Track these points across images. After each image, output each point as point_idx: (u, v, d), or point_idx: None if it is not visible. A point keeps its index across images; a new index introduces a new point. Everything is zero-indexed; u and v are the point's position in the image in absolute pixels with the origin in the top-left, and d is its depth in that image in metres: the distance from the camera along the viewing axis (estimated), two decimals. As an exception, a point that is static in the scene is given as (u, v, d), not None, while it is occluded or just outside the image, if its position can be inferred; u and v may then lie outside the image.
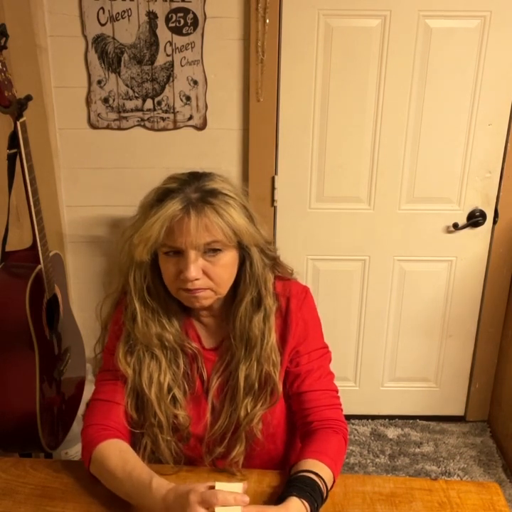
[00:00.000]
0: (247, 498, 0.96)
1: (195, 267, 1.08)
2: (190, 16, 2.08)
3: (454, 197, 2.32)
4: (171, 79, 2.16)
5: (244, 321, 1.18)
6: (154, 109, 2.20)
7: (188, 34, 2.10)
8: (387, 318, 2.52)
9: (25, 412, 1.62)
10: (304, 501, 1.02)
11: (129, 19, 2.08)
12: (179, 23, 2.08)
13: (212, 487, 0.97)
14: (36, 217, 1.62)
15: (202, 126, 2.22)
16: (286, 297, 1.23)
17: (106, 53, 2.12)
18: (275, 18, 2.07)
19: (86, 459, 1.15)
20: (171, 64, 2.14)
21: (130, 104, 2.19)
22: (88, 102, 2.19)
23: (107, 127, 2.22)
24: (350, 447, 2.48)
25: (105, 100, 2.18)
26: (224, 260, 1.12)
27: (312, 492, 1.04)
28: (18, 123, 1.54)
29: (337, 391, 1.26)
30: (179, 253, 1.10)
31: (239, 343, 1.19)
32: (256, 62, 2.12)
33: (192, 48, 2.12)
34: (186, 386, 1.22)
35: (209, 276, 1.11)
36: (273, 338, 1.19)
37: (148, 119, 2.21)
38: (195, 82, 2.16)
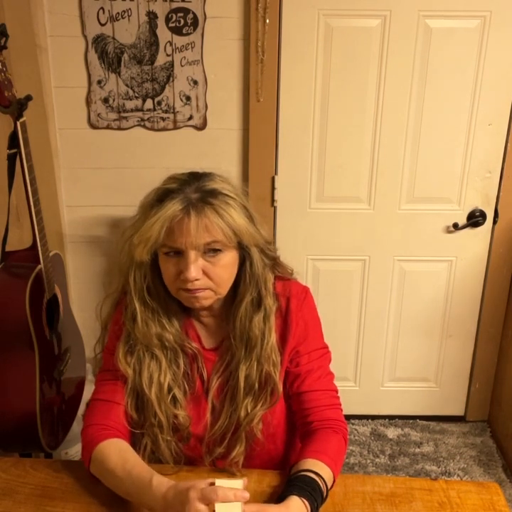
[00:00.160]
0: (247, 494, 0.95)
1: (196, 268, 1.08)
2: (190, 15, 2.08)
3: (454, 197, 2.32)
4: (171, 79, 2.16)
5: (245, 321, 1.18)
6: (154, 109, 2.20)
7: (188, 34, 2.10)
8: (387, 318, 2.52)
9: (25, 412, 1.62)
10: (304, 500, 1.02)
11: (129, 19, 2.08)
12: (179, 23, 2.08)
13: (213, 484, 0.97)
14: (36, 217, 1.62)
15: (202, 126, 2.22)
16: (286, 297, 1.23)
17: (106, 53, 2.12)
18: (275, 18, 2.07)
19: (86, 459, 1.15)
20: (171, 64, 2.14)
21: (130, 104, 2.19)
22: (88, 102, 2.19)
23: (107, 127, 2.22)
24: (350, 447, 2.48)
25: (105, 100, 2.18)
26: (224, 260, 1.12)
27: (312, 491, 1.04)
28: (18, 123, 1.54)
29: (337, 391, 1.26)
30: (179, 253, 1.10)
31: (239, 343, 1.19)
32: (256, 62, 2.12)
33: (192, 48, 2.12)
34: (186, 386, 1.22)
35: (209, 277, 1.11)
36: (273, 338, 1.19)
37: (148, 119, 2.21)
38: (195, 82, 2.16)
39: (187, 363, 1.22)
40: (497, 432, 2.56)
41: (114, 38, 2.11)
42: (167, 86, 2.17)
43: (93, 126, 2.22)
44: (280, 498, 1.04)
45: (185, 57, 2.13)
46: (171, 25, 2.09)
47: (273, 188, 2.30)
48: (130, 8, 2.07)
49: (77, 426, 1.92)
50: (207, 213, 1.07)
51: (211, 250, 1.10)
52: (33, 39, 2.02)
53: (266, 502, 1.11)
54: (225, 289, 1.16)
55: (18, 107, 1.54)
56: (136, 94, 2.18)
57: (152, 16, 2.07)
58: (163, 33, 2.10)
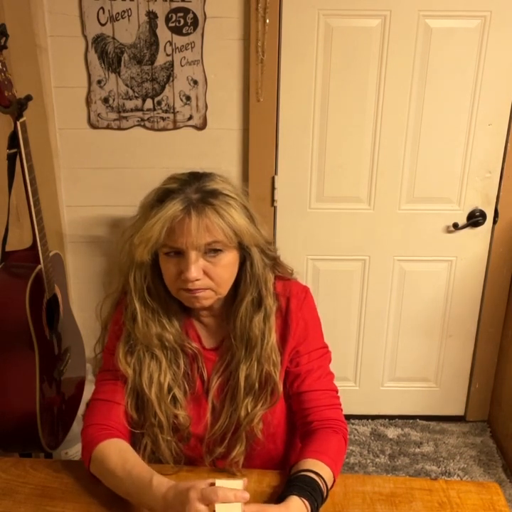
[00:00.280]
0: (247, 495, 0.95)
1: (196, 268, 1.08)
2: (190, 15, 2.08)
3: (454, 197, 2.32)
4: (171, 79, 2.16)
5: (245, 321, 1.18)
6: (154, 109, 2.20)
7: (188, 34, 2.10)
8: (387, 318, 2.52)
9: (25, 412, 1.62)
10: (305, 500, 1.02)
11: (129, 19, 2.08)
12: (179, 23, 2.08)
13: (213, 484, 0.97)
14: (36, 217, 1.62)
15: (202, 126, 2.22)
16: (286, 297, 1.23)
17: (106, 53, 2.12)
18: (275, 18, 2.07)
19: (86, 459, 1.15)
20: (171, 64, 2.14)
21: (130, 104, 2.19)
22: (88, 102, 2.19)
23: (107, 127, 2.22)
24: (350, 447, 2.48)
25: (105, 100, 2.18)
26: (224, 260, 1.12)
27: (312, 491, 1.04)
28: (18, 123, 1.54)
29: (337, 391, 1.26)
30: (180, 253, 1.10)
31: (239, 343, 1.19)
32: (256, 62, 2.12)
33: (192, 47, 2.12)
34: (186, 386, 1.22)
35: (210, 277, 1.11)
36: (273, 338, 1.19)
37: (148, 119, 2.21)
38: (195, 82, 2.16)
39: (187, 363, 1.22)
40: (497, 432, 2.56)
41: (114, 38, 2.11)
42: (167, 86, 2.17)
43: (93, 126, 2.22)
44: (280, 498, 1.04)
45: (185, 57, 2.13)
46: (171, 25, 2.09)
47: (273, 188, 2.30)
48: (130, 8, 2.07)
49: (77, 426, 1.92)
50: (207, 213, 1.07)
51: (212, 250, 1.09)
52: (33, 39, 2.02)
53: (266, 502, 1.11)
54: (225, 289, 1.16)
55: (18, 107, 1.54)
56: (136, 94, 2.18)
57: (152, 16, 2.07)
58: (163, 33, 2.10)
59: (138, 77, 2.15)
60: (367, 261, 2.43)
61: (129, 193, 2.17)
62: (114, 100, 2.18)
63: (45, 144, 2.16)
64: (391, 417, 2.66)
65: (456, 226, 2.33)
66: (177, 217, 1.06)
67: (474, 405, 2.64)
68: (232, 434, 1.21)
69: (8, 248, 1.67)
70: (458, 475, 2.34)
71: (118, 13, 2.07)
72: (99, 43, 2.11)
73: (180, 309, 1.22)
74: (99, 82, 2.16)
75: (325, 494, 1.07)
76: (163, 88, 2.17)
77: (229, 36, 2.11)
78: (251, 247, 1.14)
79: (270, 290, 1.19)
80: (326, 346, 1.28)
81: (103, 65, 2.14)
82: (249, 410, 1.19)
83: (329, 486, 1.09)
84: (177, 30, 2.10)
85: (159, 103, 2.19)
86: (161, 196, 1.10)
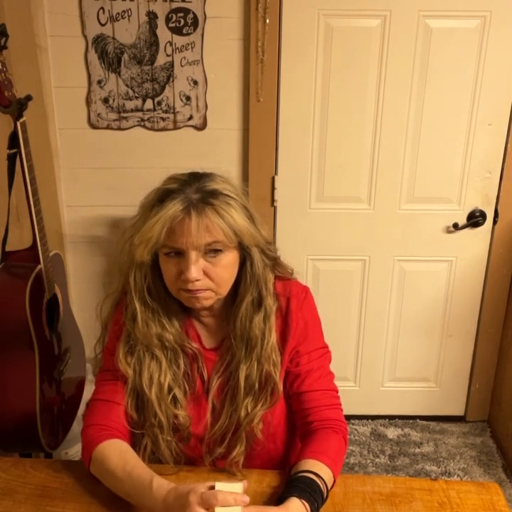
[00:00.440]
0: (247, 498, 0.96)
1: (196, 268, 1.08)
2: (190, 16, 2.07)
3: (454, 197, 2.32)
4: (171, 79, 2.16)
5: (245, 321, 1.18)
6: (154, 109, 2.20)
7: (188, 34, 2.10)
8: (387, 318, 2.52)
9: (25, 412, 1.62)
10: (304, 502, 1.02)
11: (129, 19, 2.08)
12: (179, 23, 2.08)
13: (213, 487, 0.98)
14: (36, 217, 1.62)
15: (202, 126, 2.22)
16: (286, 297, 1.23)
17: (106, 53, 2.12)
18: (275, 18, 2.07)
19: (86, 459, 1.15)
20: (171, 64, 2.14)
21: (130, 104, 2.19)
22: (88, 102, 2.19)
23: (107, 127, 2.22)
24: (350, 447, 2.48)
25: (105, 100, 2.18)
26: (225, 261, 1.12)
27: (312, 492, 1.04)
28: (18, 123, 1.54)
29: (337, 391, 1.26)
30: (180, 254, 1.10)
31: (239, 343, 1.19)
32: (256, 62, 2.11)
33: (192, 48, 2.12)
34: (186, 386, 1.22)
35: (210, 277, 1.11)
36: (273, 338, 1.19)
37: (148, 119, 2.21)
38: (195, 82, 2.16)
39: (187, 363, 1.22)
40: (497, 432, 2.56)
41: (114, 38, 2.11)
42: (167, 86, 2.17)
43: (93, 126, 2.22)
44: (280, 499, 1.04)
45: (185, 57, 2.13)
46: (171, 25, 2.09)
47: (273, 188, 2.30)
48: (130, 8, 2.07)
49: (77, 426, 1.92)
50: (208, 214, 1.07)
51: (212, 251, 1.09)
52: (33, 39, 2.02)
53: (266, 502, 1.11)
54: (225, 289, 1.16)
55: (18, 107, 1.54)
56: (136, 95, 2.18)
57: (152, 16, 2.07)
58: (163, 33, 2.10)
59: (138, 77, 2.15)
60: (367, 261, 2.43)
61: (129, 193, 2.17)
62: (114, 100, 2.18)
63: (45, 144, 2.16)
64: (391, 417, 2.66)
65: (456, 226, 2.33)
66: (177, 217, 1.06)
67: (474, 405, 2.64)
68: (232, 434, 1.21)
69: (8, 248, 1.67)
70: (458, 475, 2.34)
71: (118, 13, 2.07)
72: (99, 43, 2.11)
73: (181, 309, 1.22)
74: (99, 82, 2.16)
75: (325, 495, 1.07)
76: (163, 88, 2.17)
77: (229, 36, 2.11)
78: (251, 247, 1.14)
79: (270, 290, 1.19)
80: (326, 346, 1.28)
81: (103, 65, 2.14)
82: (249, 410, 1.19)
83: (329, 487, 1.09)
84: (177, 31, 2.10)
85: (159, 103, 2.19)
86: (161, 196, 1.10)
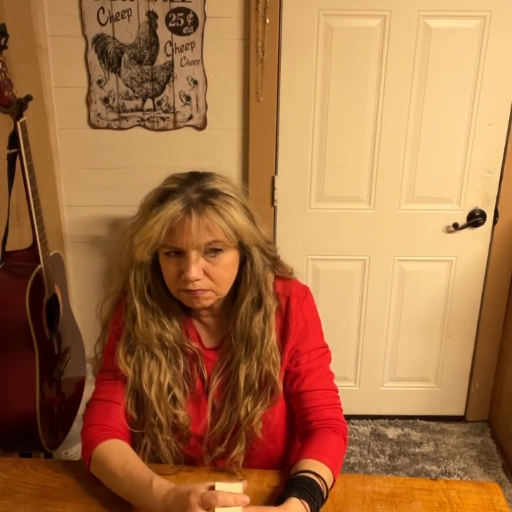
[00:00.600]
0: (247, 499, 0.96)
1: (196, 268, 1.08)
2: (190, 15, 2.08)
3: (454, 197, 2.32)
4: (171, 79, 2.16)
5: (245, 320, 1.18)
6: (154, 109, 2.20)
7: (188, 34, 2.10)
8: (387, 318, 2.52)
9: (25, 412, 1.62)
10: (304, 502, 1.02)
11: (129, 19, 2.08)
12: (179, 23, 2.08)
13: (213, 487, 0.98)
14: (36, 217, 1.62)
15: (202, 126, 2.22)
16: (286, 297, 1.23)
17: (106, 53, 2.12)
18: (275, 18, 2.07)
19: (86, 459, 1.15)
20: (171, 64, 2.14)
21: (130, 104, 2.19)
22: (88, 102, 2.19)
23: (107, 127, 2.22)
24: (350, 447, 2.48)
25: (105, 100, 2.18)
26: (225, 260, 1.12)
27: (312, 492, 1.04)
28: (18, 123, 1.54)
29: (337, 391, 1.26)
30: (180, 253, 1.10)
31: (239, 343, 1.19)
32: (256, 62, 2.12)
33: (192, 47, 2.12)
34: (186, 386, 1.22)
35: (210, 277, 1.11)
36: (273, 337, 1.19)
37: (148, 119, 2.21)
38: (195, 82, 2.16)
39: (187, 363, 1.22)
40: (497, 432, 2.56)
41: (114, 38, 2.11)
42: (167, 86, 2.17)
43: (93, 126, 2.22)
44: (280, 500, 1.04)
45: (185, 57, 2.13)
46: (171, 25, 2.09)
47: (273, 188, 2.30)
48: (130, 8, 2.07)
49: (77, 426, 1.92)
50: (208, 213, 1.07)
51: (212, 250, 1.10)
52: (33, 39, 2.02)
53: (266, 502, 1.11)
54: (225, 289, 1.16)
55: (18, 107, 1.54)
56: (136, 94, 2.18)
57: (152, 16, 2.07)
58: (163, 33, 2.10)
59: (138, 77, 2.15)
60: (367, 261, 2.43)
61: (129, 193, 2.17)
62: (114, 100, 2.18)
63: (45, 144, 2.16)
64: (391, 417, 2.66)
65: (456, 226, 2.33)
66: (177, 217, 1.06)
67: (474, 405, 2.64)
68: (232, 434, 1.21)
69: (8, 248, 1.67)
70: (458, 475, 2.34)
71: (118, 13, 2.07)
72: (99, 43, 2.11)
73: (180, 309, 1.22)
74: (99, 82, 2.16)
75: (325, 495, 1.07)
76: (163, 88, 2.17)
77: (229, 36, 2.11)
78: (251, 246, 1.14)
79: (270, 290, 1.19)
80: (325, 346, 1.28)
81: (103, 65, 2.14)
82: (249, 410, 1.19)
83: (329, 487, 1.09)
84: (177, 30, 2.10)
85: (159, 103, 2.19)
86: (161, 196, 1.10)
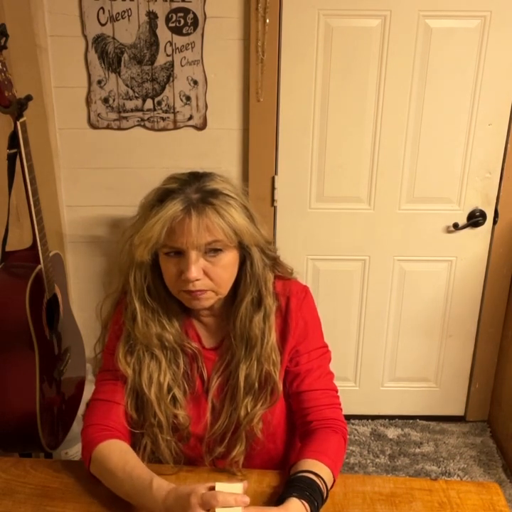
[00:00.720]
0: (247, 499, 0.96)
1: (196, 268, 1.08)
2: (190, 15, 2.08)
3: (454, 197, 2.32)
4: (171, 79, 2.16)
5: (245, 320, 1.18)
6: (154, 109, 2.20)
7: (188, 34, 2.10)
8: (387, 318, 2.52)
9: (25, 412, 1.62)
10: (304, 502, 1.02)
11: (129, 19, 2.08)
12: (179, 23, 2.08)
13: (213, 488, 0.98)
14: (36, 217, 1.62)
15: (202, 126, 2.22)
16: (286, 296, 1.23)
17: (106, 53, 2.12)
18: (275, 18, 2.07)
19: (86, 459, 1.15)
20: (171, 64, 2.14)
21: (130, 104, 2.19)
22: (88, 102, 2.19)
23: (107, 127, 2.22)
24: (350, 447, 2.48)
25: (105, 100, 2.18)
26: (225, 260, 1.12)
27: (312, 493, 1.04)
28: (18, 123, 1.54)
29: (337, 391, 1.26)
30: (180, 254, 1.10)
31: (239, 343, 1.19)
32: (256, 62, 2.12)
33: (192, 48, 2.12)
34: (186, 386, 1.22)
35: (210, 277, 1.11)
36: (273, 337, 1.19)
37: (148, 119, 2.21)
38: (195, 82, 2.16)
39: (187, 363, 1.22)
40: (497, 432, 2.56)
41: (114, 38, 2.11)
42: (167, 86, 2.17)
43: (93, 126, 2.22)
44: (280, 500, 1.04)
45: (185, 57, 2.13)
46: (171, 25, 2.09)
47: (273, 188, 2.30)
48: (130, 8, 2.07)
49: (77, 426, 1.92)
50: (208, 213, 1.07)
51: (212, 250, 1.10)
52: (33, 39, 2.02)
53: (266, 502, 1.11)
54: (225, 289, 1.16)
55: (18, 107, 1.54)
56: (136, 94, 2.18)
57: (152, 16, 2.07)
58: (163, 33, 2.10)
59: (138, 77, 2.15)
60: (367, 261, 2.43)
61: (129, 193, 2.17)
62: (114, 100, 2.18)
63: (45, 144, 2.16)
64: (391, 417, 2.66)
65: (456, 226, 2.33)
66: (177, 217, 1.06)
67: (474, 405, 2.64)
68: (232, 434, 1.21)
69: (8, 248, 1.67)
70: (458, 475, 2.34)
71: (118, 13, 2.07)
72: (100, 43, 2.11)
73: (180, 309, 1.22)
74: (99, 82, 2.16)
75: (325, 495, 1.07)
76: (163, 88, 2.17)
77: (229, 36, 2.11)
78: (251, 246, 1.14)
79: (270, 290, 1.19)
80: (325, 346, 1.28)
81: (103, 65, 2.14)
82: (249, 410, 1.19)
83: (329, 487, 1.09)
84: (177, 31, 2.10)
85: (159, 103, 2.19)
86: (161, 196, 1.10)
